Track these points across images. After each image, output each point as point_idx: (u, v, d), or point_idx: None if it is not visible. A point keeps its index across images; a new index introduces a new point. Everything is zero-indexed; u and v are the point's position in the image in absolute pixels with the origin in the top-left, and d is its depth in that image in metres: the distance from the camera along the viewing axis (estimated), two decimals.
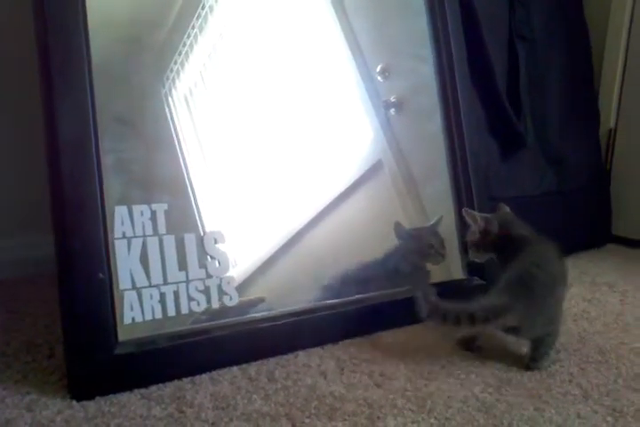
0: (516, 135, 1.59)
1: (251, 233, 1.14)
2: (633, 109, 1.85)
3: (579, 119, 1.80)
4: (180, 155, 1.08)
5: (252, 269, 1.12)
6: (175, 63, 1.10)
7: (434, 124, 1.38)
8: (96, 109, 0.96)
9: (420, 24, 1.39)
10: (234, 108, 1.16)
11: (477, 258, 1.19)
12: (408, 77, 1.36)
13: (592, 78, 1.87)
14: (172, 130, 1.08)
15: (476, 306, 0.98)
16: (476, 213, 1.17)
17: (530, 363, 1.05)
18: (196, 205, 1.08)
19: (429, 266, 1.31)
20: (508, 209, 1.20)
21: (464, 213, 1.18)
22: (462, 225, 1.29)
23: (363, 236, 1.25)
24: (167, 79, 1.09)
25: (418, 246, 1.28)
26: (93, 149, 0.95)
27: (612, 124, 1.88)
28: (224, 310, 1.06)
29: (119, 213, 0.97)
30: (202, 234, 1.06)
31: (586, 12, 1.85)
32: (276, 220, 1.18)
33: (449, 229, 1.34)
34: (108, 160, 0.98)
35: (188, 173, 1.08)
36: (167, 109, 1.08)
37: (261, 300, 1.11)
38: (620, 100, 1.87)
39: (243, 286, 1.09)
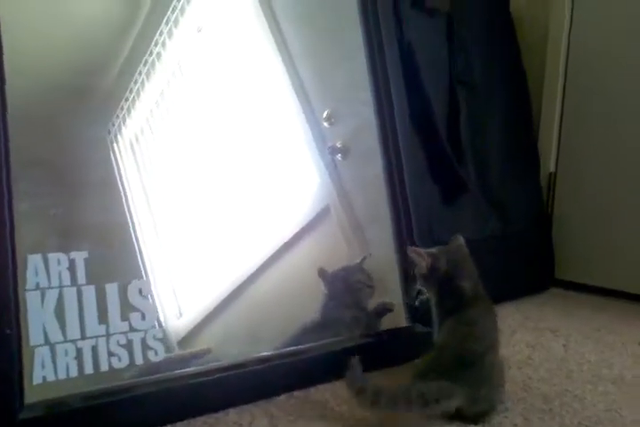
0: (458, 180, 1.59)
1: (196, 284, 1.09)
2: (572, 153, 1.88)
3: (519, 163, 1.82)
4: (116, 201, 1.04)
5: (196, 321, 1.08)
6: (122, 109, 1.08)
7: (377, 168, 1.37)
8: (9, 153, 0.90)
9: (361, 68, 1.38)
10: (179, 153, 1.15)
11: (426, 288, 1.15)
12: (352, 121, 1.36)
13: (531, 123, 1.91)
14: (113, 176, 1.05)
15: (414, 392, 0.94)
16: (422, 251, 1.12)
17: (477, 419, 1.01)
18: (137, 255, 1.04)
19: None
20: (461, 241, 1.16)
21: (409, 252, 1.14)
22: (405, 271, 1.27)
23: (311, 284, 1.23)
24: (113, 125, 1.06)
25: (346, 285, 1.25)
26: (5, 194, 0.89)
27: (552, 168, 1.91)
28: (156, 367, 0.99)
29: (32, 263, 0.91)
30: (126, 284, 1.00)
31: (523, 57, 1.90)
32: (220, 270, 1.14)
33: (392, 275, 1.32)
34: (22, 205, 0.92)
35: (129, 222, 1.04)
36: (111, 155, 1.05)
37: (208, 351, 1.06)
38: (559, 144, 1.91)
39: (187, 338, 1.06)
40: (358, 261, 1.29)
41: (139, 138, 1.12)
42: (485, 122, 1.74)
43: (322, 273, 1.25)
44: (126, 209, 1.05)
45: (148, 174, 1.10)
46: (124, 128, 1.08)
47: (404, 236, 1.34)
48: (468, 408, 0.98)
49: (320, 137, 1.31)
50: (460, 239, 1.16)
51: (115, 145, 1.07)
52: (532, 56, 1.90)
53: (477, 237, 1.66)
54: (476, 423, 1.00)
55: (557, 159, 1.91)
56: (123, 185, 1.06)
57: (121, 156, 1.07)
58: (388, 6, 1.46)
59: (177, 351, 1.05)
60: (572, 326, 1.52)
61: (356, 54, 1.39)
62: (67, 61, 1.04)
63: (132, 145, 1.10)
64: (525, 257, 1.79)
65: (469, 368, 0.98)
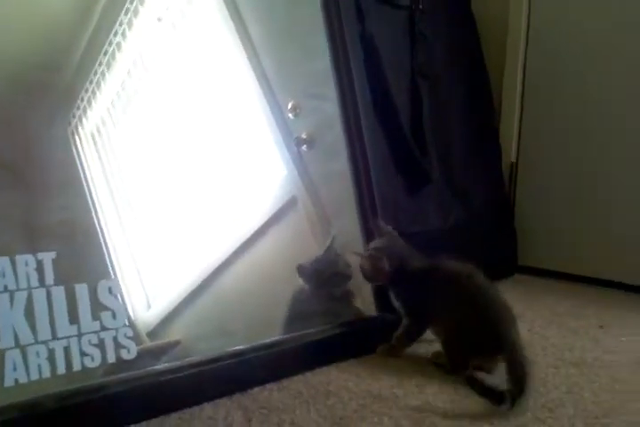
0: (422, 171, 1.62)
1: (164, 276, 1.09)
2: (533, 143, 1.93)
3: (481, 154, 1.86)
4: (81, 199, 1.03)
5: (165, 313, 1.07)
6: (82, 100, 1.06)
7: (343, 160, 1.38)
8: None
9: (324, 63, 1.39)
10: (143, 147, 1.13)
11: (376, 283, 1.23)
12: (317, 116, 1.37)
13: (492, 114, 1.94)
14: (77, 173, 1.03)
15: None
16: (361, 253, 1.19)
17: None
18: (104, 253, 1.03)
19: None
20: (392, 232, 1.23)
21: (353, 255, 1.21)
22: None
23: (278, 275, 1.23)
24: (73, 117, 1.04)
25: (323, 279, 1.26)
26: None
27: (513, 158, 1.95)
28: (128, 363, 0.99)
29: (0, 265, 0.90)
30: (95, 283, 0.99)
31: (483, 48, 1.93)
32: (188, 262, 1.14)
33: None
34: None
35: (94, 220, 1.03)
36: (73, 151, 1.04)
37: (177, 343, 1.06)
38: (519, 134, 1.95)
39: (156, 330, 1.05)
40: (327, 244, 1.28)
41: (100, 129, 1.10)
42: (447, 113, 1.76)
43: (301, 270, 1.24)
44: (90, 205, 1.04)
45: (111, 167, 1.09)
46: (84, 120, 1.07)
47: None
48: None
49: (285, 128, 1.31)
50: (388, 229, 1.24)
51: (76, 137, 1.05)
52: (491, 47, 1.94)
53: (442, 226, 1.69)
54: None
55: (518, 149, 1.95)
56: (86, 180, 1.05)
57: (82, 148, 1.06)
58: None
59: (147, 344, 1.05)
60: (536, 311, 1.56)
61: (318, 46, 1.40)
62: (22, 54, 1.02)
63: (93, 136, 1.09)
64: (489, 245, 1.82)
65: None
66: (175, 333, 1.08)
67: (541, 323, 1.47)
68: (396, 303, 1.22)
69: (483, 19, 1.93)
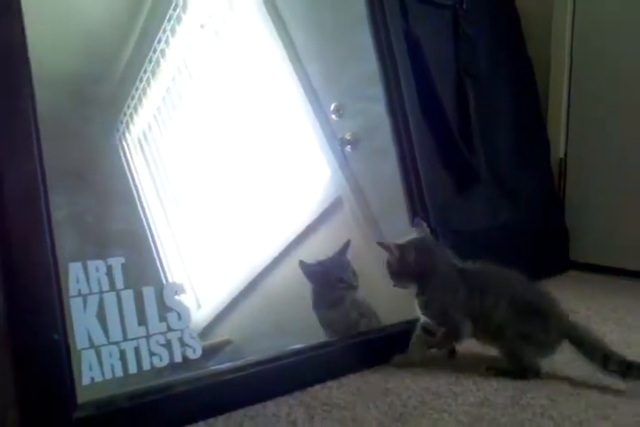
0: (470, 170, 1.62)
1: (214, 277, 1.12)
2: (581, 138, 1.91)
3: (529, 150, 1.85)
4: (137, 205, 1.07)
5: (215, 312, 1.10)
6: (128, 107, 1.10)
7: (389, 161, 1.40)
8: (44, 164, 0.93)
9: (370, 66, 1.41)
10: (190, 151, 1.16)
11: (400, 286, 1.17)
12: (362, 117, 1.38)
13: (539, 110, 1.93)
14: (128, 180, 1.07)
15: None
16: (390, 243, 1.14)
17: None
18: (155, 257, 1.06)
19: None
20: (425, 228, 1.19)
21: (379, 245, 1.14)
22: None
23: None
24: (121, 123, 1.08)
25: (327, 282, 1.20)
26: (43, 205, 0.92)
27: (561, 154, 1.93)
28: (188, 362, 1.02)
29: (73, 271, 0.94)
30: (162, 286, 1.03)
31: (528, 45, 1.92)
32: (236, 263, 1.16)
33: None
34: (60, 215, 0.95)
35: (145, 224, 1.07)
36: (122, 159, 1.07)
37: (228, 342, 1.08)
38: (567, 129, 1.93)
39: (207, 330, 1.07)
40: (339, 249, 1.23)
41: (147, 135, 1.13)
42: (494, 111, 1.76)
43: (303, 266, 1.20)
44: (140, 210, 1.07)
45: (158, 172, 1.12)
46: (131, 126, 1.09)
47: None
48: None
49: (329, 129, 1.32)
50: (423, 224, 1.20)
51: (124, 143, 1.08)
52: (536, 42, 1.92)
53: (492, 224, 1.69)
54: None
55: (567, 144, 1.93)
56: (135, 185, 1.08)
57: (130, 154, 1.09)
58: (395, 1, 1.49)
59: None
60: (591, 307, 1.55)
61: (362, 48, 1.42)
62: (75, 67, 1.06)
63: (140, 142, 1.12)
64: (540, 241, 1.81)
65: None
66: (225, 332, 1.10)
67: (598, 319, 1.46)
68: (425, 312, 1.15)
69: (527, 14, 1.92)
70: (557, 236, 1.90)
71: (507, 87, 1.81)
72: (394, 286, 1.17)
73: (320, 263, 1.21)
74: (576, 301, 1.60)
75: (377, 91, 1.41)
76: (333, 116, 1.34)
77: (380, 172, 1.40)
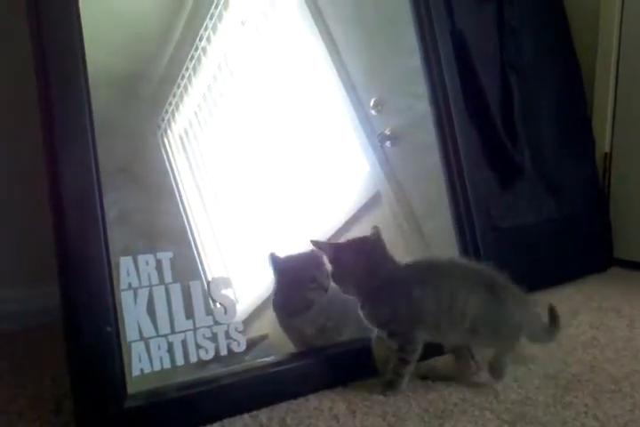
0: (514, 165, 1.60)
1: (251, 272, 1.13)
2: (627, 132, 1.86)
3: (574, 145, 1.81)
4: (180, 201, 1.09)
5: (252, 307, 1.12)
6: (170, 104, 1.12)
7: (431, 157, 1.39)
8: (99, 162, 0.96)
9: (413, 62, 1.40)
10: (231, 147, 1.17)
11: (345, 292, 1.08)
12: (403, 114, 1.37)
13: (585, 103, 1.89)
14: (172, 176, 1.09)
15: None
16: (323, 242, 1.07)
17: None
18: (201, 251, 1.09)
19: None
20: (377, 233, 1.08)
21: (312, 244, 1.07)
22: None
23: None
24: (162, 120, 1.10)
25: (296, 279, 1.12)
26: (97, 202, 0.95)
27: (607, 149, 1.89)
28: (232, 356, 1.05)
29: (124, 264, 0.97)
30: (208, 280, 1.05)
31: (574, 37, 1.88)
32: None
33: None
34: (111, 211, 0.98)
35: (189, 219, 1.09)
36: (164, 156, 1.09)
37: (264, 337, 1.10)
38: (613, 123, 1.89)
39: (244, 324, 1.09)
40: (311, 250, 1.12)
41: (188, 132, 1.15)
42: (538, 105, 1.73)
43: (272, 259, 1.12)
44: (180, 205, 1.09)
45: (199, 168, 1.14)
46: (173, 123, 1.11)
47: (465, 224, 1.36)
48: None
49: (368, 125, 1.32)
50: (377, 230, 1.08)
51: (165, 140, 1.10)
52: (582, 34, 1.88)
53: (535, 220, 1.67)
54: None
55: (612, 139, 1.89)
56: (175, 181, 1.10)
57: (172, 150, 1.11)
58: None
59: None
60: (635, 305, 1.52)
61: (403, 44, 1.41)
62: (120, 66, 1.08)
63: (181, 139, 1.13)
64: (584, 238, 1.78)
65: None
66: (262, 327, 1.11)
67: None
68: (372, 321, 1.06)
69: (573, 5, 1.88)
70: (601, 232, 1.86)
71: (551, 80, 1.77)
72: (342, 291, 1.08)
73: (293, 257, 1.13)
74: (619, 298, 1.58)
75: (418, 87, 1.39)
76: (372, 112, 1.33)
77: (421, 169, 1.38)
